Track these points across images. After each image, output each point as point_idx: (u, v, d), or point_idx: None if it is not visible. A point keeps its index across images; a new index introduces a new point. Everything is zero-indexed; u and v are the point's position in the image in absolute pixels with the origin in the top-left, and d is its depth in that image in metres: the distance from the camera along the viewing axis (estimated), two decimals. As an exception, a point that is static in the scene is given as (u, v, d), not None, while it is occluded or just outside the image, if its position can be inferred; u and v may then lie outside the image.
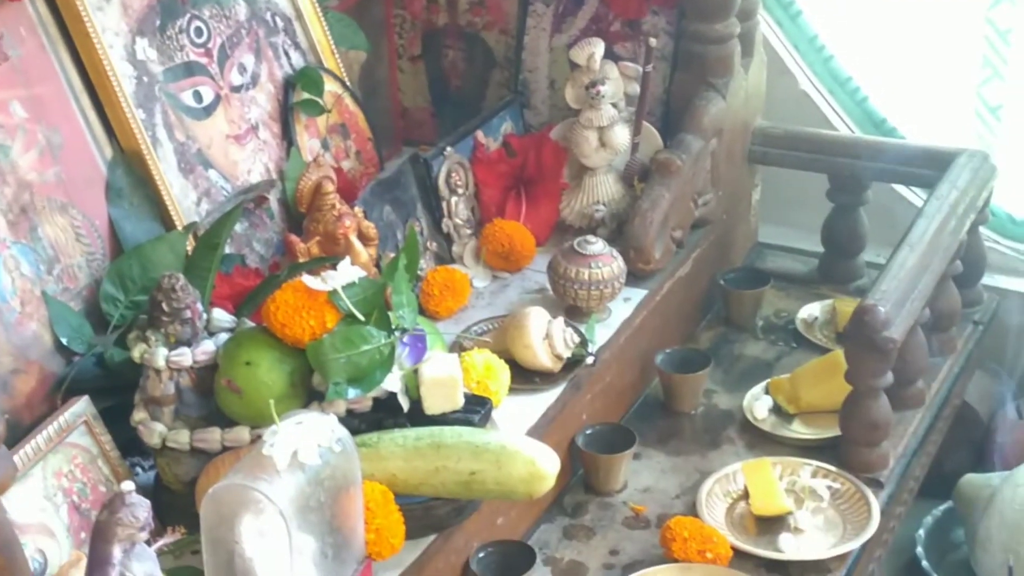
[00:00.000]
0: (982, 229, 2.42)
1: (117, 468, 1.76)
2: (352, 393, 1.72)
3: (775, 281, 2.48)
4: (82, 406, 1.74)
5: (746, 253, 2.61)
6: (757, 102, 2.52)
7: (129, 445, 1.80)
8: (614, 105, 2.31)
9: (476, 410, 1.78)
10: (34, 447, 1.67)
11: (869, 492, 2.01)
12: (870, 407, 2.04)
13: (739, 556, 1.91)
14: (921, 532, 2.48)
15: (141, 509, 1.37)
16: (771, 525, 1.98)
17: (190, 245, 1.95)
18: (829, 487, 2.02)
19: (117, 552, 1.37)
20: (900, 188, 2.62)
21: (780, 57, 2.63)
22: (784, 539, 1.94)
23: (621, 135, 2.32)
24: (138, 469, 1.83)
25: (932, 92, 2.71)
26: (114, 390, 1.81)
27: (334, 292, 1.73)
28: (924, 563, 2.43)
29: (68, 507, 1.69)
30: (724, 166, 2.43)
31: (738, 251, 2.58)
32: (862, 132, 2.65)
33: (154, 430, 1.75)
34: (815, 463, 2.06)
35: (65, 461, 1.71)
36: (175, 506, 1.74)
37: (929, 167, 2.37)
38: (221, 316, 1.82)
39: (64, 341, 1.83)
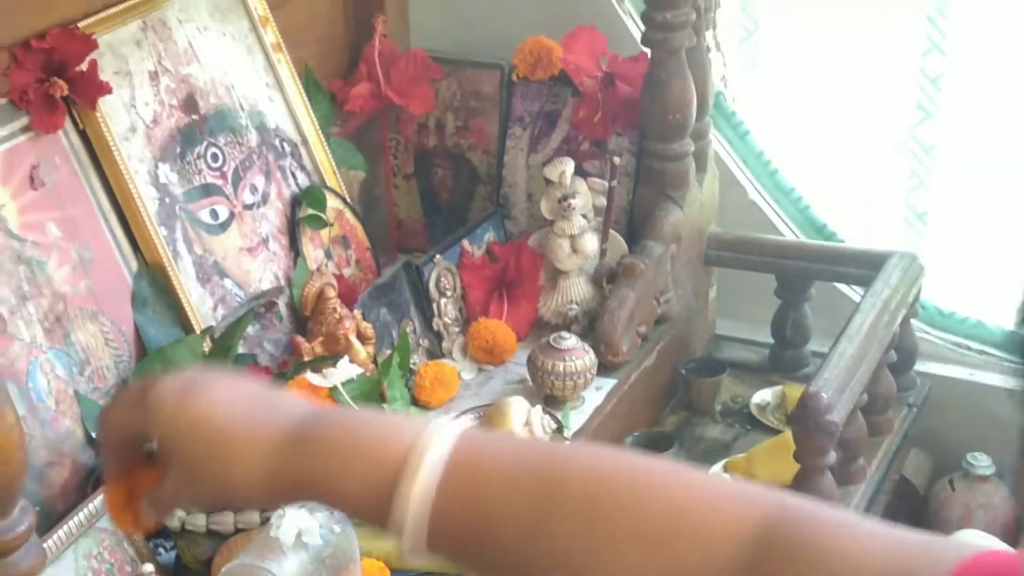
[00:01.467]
0: (913, 321, 2.43)
1: (141, 550, 1.75)
2: (351, 479, 1.72)
3: (731, 369, 2.49)
4: (110, 494, 1.73)
5: (705, 344, 2.62)
6: (711, 211, 2.54)
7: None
8: (584, 216, 2.33)
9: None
10: (66, 532, 1.66)
11: (818, 560, 2.00)
12: (817, 482, 2.03)
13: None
14: (867, 594, 2.46)
15: (160, 589, 1.37)
16: (730, 591, 1.96)
17: (207, 346, 1.96)
18: (782, 556, 2.01)
19: (139, 628, 1.36)
20: (840, 286, 2.63)
21: (731, 171, 2.65)
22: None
23: (591, 242, 2.33)
24: (160, 550, 1.82)
25: (866, 201, 2.74)
26: (139, 479, 1.80)
27: (335, 388, 1.74)
28: (870, 622, 2.41)
29: (97, 586, 1.69)
30: (683, 268, 2.45)
31: (697, 343, 2.59)
32: (805, 237, 2.67)
33: (174, 514, 1.74)
34: (769, 534, 2.05)
35: (95, 544, 1.70)
36: (193, 584, 1.74)
37: (865, 267, 2.39)
38: (234, 411, 1.82)
39: (94, 435, 1.83)
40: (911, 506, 2.59)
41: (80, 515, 1.69)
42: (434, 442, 0.95)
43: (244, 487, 1.00)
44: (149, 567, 1.38)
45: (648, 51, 2.34)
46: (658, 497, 0.92)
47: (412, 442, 0.96)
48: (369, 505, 0.97)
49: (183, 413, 1.01)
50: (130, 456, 1.04)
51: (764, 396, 2.45)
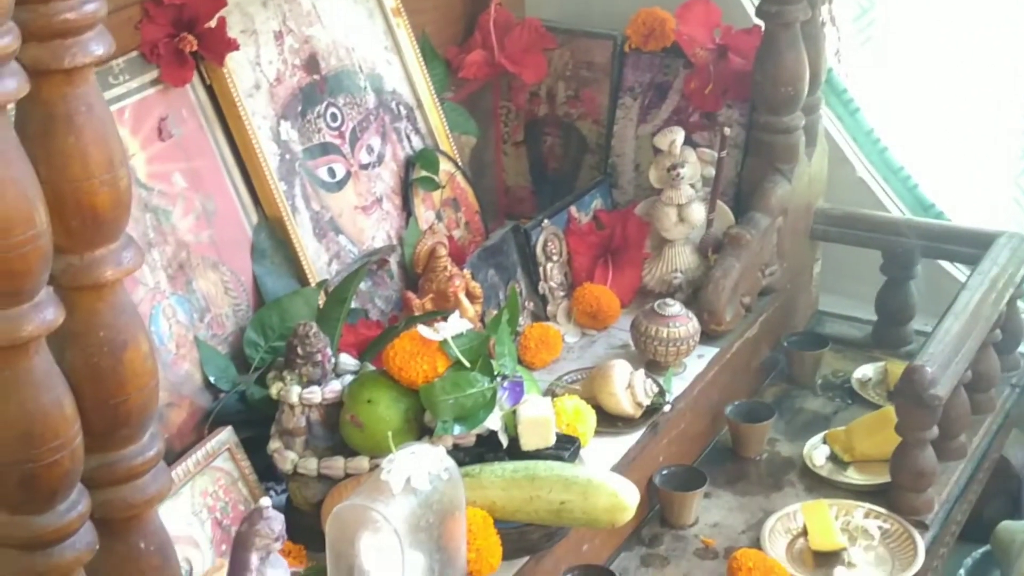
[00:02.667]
0: (1019, 302, 2.39)
1: (255, 490, 1.79)
2: (458, 430, 1.73)
3: (833, 345, 2.47)
4: (226, 436, 1.77)
5: (808, 319, 2.60)
6: (819, 186, 2.52)
7: (265, 471, 1.82)
8: (692, 186, 2.32)
9: (566, 448, 1.79)
10: (184, 470, 1.70)
11: (916, 533, 1.98)
12: (917, 457, 2.01)
13: None
14: (961, 572, 2.44)
15: (276, 523, 1.39)
16: (827, 560, 1.96)
17: (322, 299, 1.98)
18: (880, 527, 2.00)
19: (255, 560, 1.39)
20: (946, 264, 2.59)
21: (840, 147, 2.62)
22: (839, 572, 1.92)
23: (698, 212, 2.32)
24: (272, 492, 1.85)
25: (975, 180, 2.69)
26: (254, 423, 1.84)
27: (445, 342, 1.75)
28: (965, 601, 2.39)
29: (212, 522, 1.72)
30: (789, 241, 2.43)
31: (800, 317, 2.56)
32: (913, 215, 2.63)
33: (287, 458, 1.77)
34: (867, 505, 2.04)
35: (210, 482, 1.74)
36: (303, 525, 1.76)
37: (972, 246, 2.35)
38: (347, 360, 1.85)
39: (212, 380, 1.87)
40: (1009, 486, 2.55)
41: (197, 454, 1.72)
42: None
43: None
44: (267, 500, 1.40)
45: (762, 24, 2.32)
46: None
47: None
48: None
49: None
50: None
51: (866, 371, 2.42)
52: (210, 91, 1.99)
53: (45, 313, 0.99)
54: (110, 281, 1.05)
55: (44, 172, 1.00)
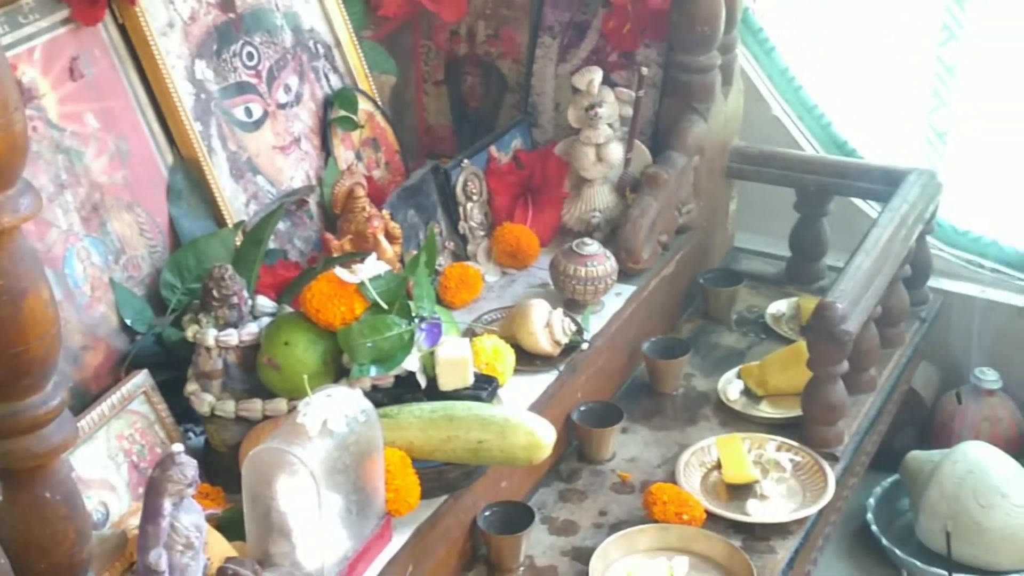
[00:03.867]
0: (929, 238, 2.40)
1: (172, 433, 1.75)
2: (375, 371, 1.70)
3: (748, 281, 2.47)
4: (142, 378, 1.73)
5: (723, 256, 2.59)
6: (735, 125, 2.50)
7: (183, 413, 1.78)
8: (610, 125, 2.30)
9: (484, 387, 1.77)
10: (99, 413, 1.66)
11: (826, 465, 1.99)
12: (828, 391, 2.02)
13: (712, 518, 1.89)
14: (871, 501, 2.47)
15: (189, 468, 1.36)
16: (740, 492, 1.96)
17: (239, 240, 1.94)
18: (791, 460, 2.01)
19: (167, 505, 1.35)
20: (858, 201, 2.60)
21: (755, 86, 2.61)
22: (751, 504, 1.92)
23: (616, 151, 2.30)
24: (190, 434, 1.81)
25: (887, 119, 2.69)
26: (170, 365, 1.80)
27: (362, 284, 1.72)
28: (873, 528, 2.42)
29: (128, 466, 1.68)
30: (705, 180, 2.41)
31: (716, 254, 2.56)
32: (826, 153, 2.63)
33: (204, 400, 1.74)
34: (780, 439, 2.04)
35: (126, 426, 1.70)
36: (221, 467, 1.73)
37: (883, 183, 2.35)
38: (264, 302, 1.81)
39: (128, 322, 1.82)
40: (918, 417, 2.58)
41: (113, 398, 1.68)
42: None
43: None
44: (179, 446, 1.37)
45: (679, -37, 2.29)
46: None
47: None
48: None
49: None
50: None
51: (779, 307, 2.43)
52: (123, 30, 1.92)
53: (-62, 263, 0.95)
54: (7, 228, 1.00)
55: (-68, 116, 0.95)
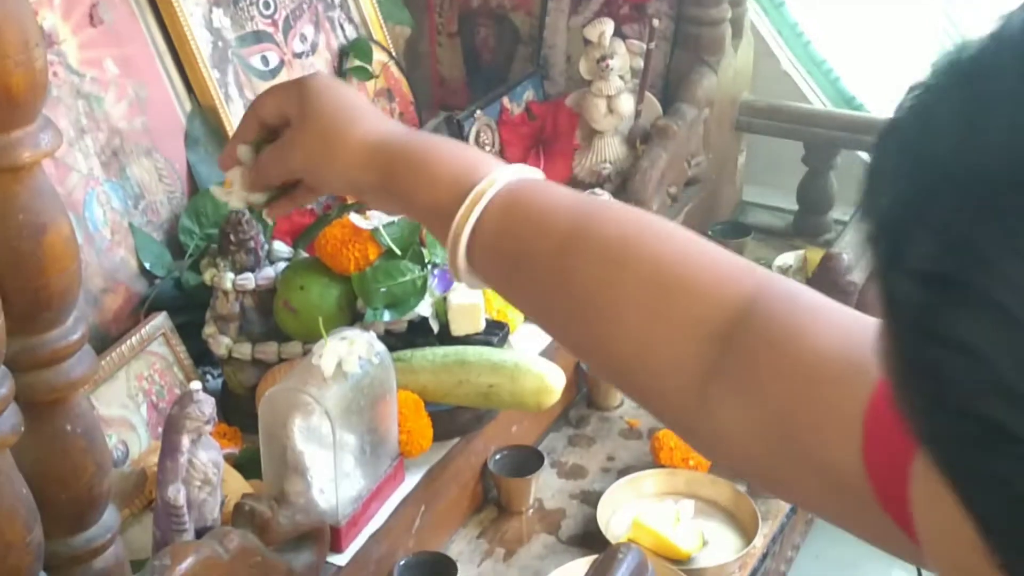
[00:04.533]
0: (934, 192, 2.38)
1: (190, 374, 1.75)
2: (388, 316, 1.70)
3: (756, 233, 2.45)
4: (161, 320, 1.73)
5: (732, 209, 2.58)
6: (744, 79, 2.48)
7: (201, 356, 1.79)
8: (621, 77, 2.28)
9: (495, 333, 1.77)
10: (119, 354, 1.66)
11: (830, 413, 1.99)
12: (833, 341, 2.01)
13: (716, 464, 1.89)
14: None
15: (207, 405, 1.36)
16: (745, 438, 1.96)
17: (256, 187, 1.93)
18: (796, 408, 2.00)
19: (186, 442, 1.36)
20: (865, 156, 2.58)
21: (765, 41, 2.58)
22: (756, 450, 1.92)
23: (626, 103, 2.28)
24: (208, 377, 1.82)
25: (895, 74, 2.67)
26: (189, 308, 1.80)
27: (376, 230, 1.71)
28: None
29: (147, 405, 1.68)
30: (714, 133, 2.40)
31: (725, 207, 2.55)
32: (834, 107, 2.61)
33: (222, 343, 1.74)
34: (785, 387, 2.03)
35: (146, 367, 1.70)
36: (239, 408, 1.73)
37: (891, 138, 2.33)
38: (280, 247, 1.81)
39: (147, 266, 1.82)
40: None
41: (132, 339, 1.68)
42: (495, 180, 1.03)
43: (338, 174, 1.12)
44: (197, 384, 1.37)
45: (691, -84, 2.26)
46: (668, 252, 0.95)
47: (484, 175, 1.03)
48: (433, 220, 1.06)
49: (325, 97, 1.14)
50: (261, 130, 1.20)
51: (786, 259, 2.41)
52: (141, -23, 1.91)
53: (-41, 196, 0.94)
54: (28, 163, 1.00)
55: (-46, 52, 0.94)
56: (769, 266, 2.40)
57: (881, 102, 2.63)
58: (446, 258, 1.06)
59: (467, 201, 1.02)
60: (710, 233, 2.40)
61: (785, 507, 1.85)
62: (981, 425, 0.45)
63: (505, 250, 1.02)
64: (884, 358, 0.50)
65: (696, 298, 0.92)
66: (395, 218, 1.74)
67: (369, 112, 1.15)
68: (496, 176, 1.03)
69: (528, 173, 1.06)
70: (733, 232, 2.43)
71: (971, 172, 0.46)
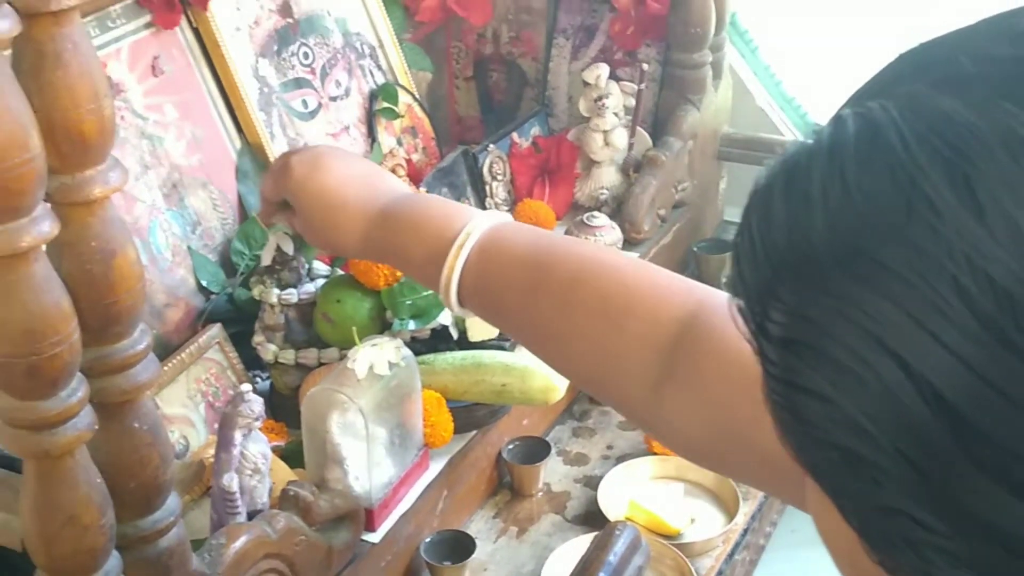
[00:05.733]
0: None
1: (241, 377, 1.77)
2: (413, 325, 1.72)
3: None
4: (216, 331, 1.75)
5: (714, 228, 2.59)
6: (724, 114, 2.49)
7: (251, 361, 1.80)
8: (615, 114, 2.29)
9: (507, 339, 1.78)
10: (180, 361, 1.68)
11: (802, 406, 1.99)
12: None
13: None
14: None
15: (256, 404, 1.37)
16: (727, 429, 1.97)
17: (297, 214, 1.94)
18: (772, 402, 2.00)
19: (238, 436, 1.37)
20: (831, 180, 2.58)
21: (743, 80, 2.60)
22: (737, 439, 1.93)
23: (621, 137, 2.30)
24: (257, 379, 1.83)
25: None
26: (240, 320, 1.81)
27: (403, 249, 1.73)
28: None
29: (205, 405, 1.70)
30: (698, 162, 2.41)
31: (708, 226, 2.55)
32: (804, 138, 2.61)
33: (269, 350, 1.75)
34: (762, 384, 2.04)
35: (203, 371, 1.72)
36: (284, 406, 1.75)
37: (853, 164, 2.34)
38: (319, 266, 1.82)
39: (204, 283, 1.84)
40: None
41: (191, 347, 1.70)
42: (474, 229, 1.09)
43: (345, 246, 1.22)
44: (247, 386, 1.39)
45: (675, -27, 2.27)
46: (613, 285, 1.01)
47: (462, 227, 1.10)
48: (427, 271, 1.12)
49: (310, 185, 1.22)
50: (278, 207, 1.35)
51: (762, 271, 2.42)
52: (196, 33, 1.93)
53: (42, 226, 0.96)
54: (99, 197, 1.02)
55: (37, 103, 0.96)
56: (748, 278, 2.40)
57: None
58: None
59: (450, 253, 1.09)
60: (695, 249, 2.41)
61: (763, 489, 1.85)
62: (839, 453, 0.50)
63: (484, 293, 1.09)
64: (766, 404, 0.55)
65: (640, 320, 0.98)
66: (419, 240, 1.75)
67: (352, 187, 1.21)
68: (471, 228, 1.10)
69: (498, 218, 1.13)
70: (715, 248, 2.43)
71: (802, 257, 0.52)
